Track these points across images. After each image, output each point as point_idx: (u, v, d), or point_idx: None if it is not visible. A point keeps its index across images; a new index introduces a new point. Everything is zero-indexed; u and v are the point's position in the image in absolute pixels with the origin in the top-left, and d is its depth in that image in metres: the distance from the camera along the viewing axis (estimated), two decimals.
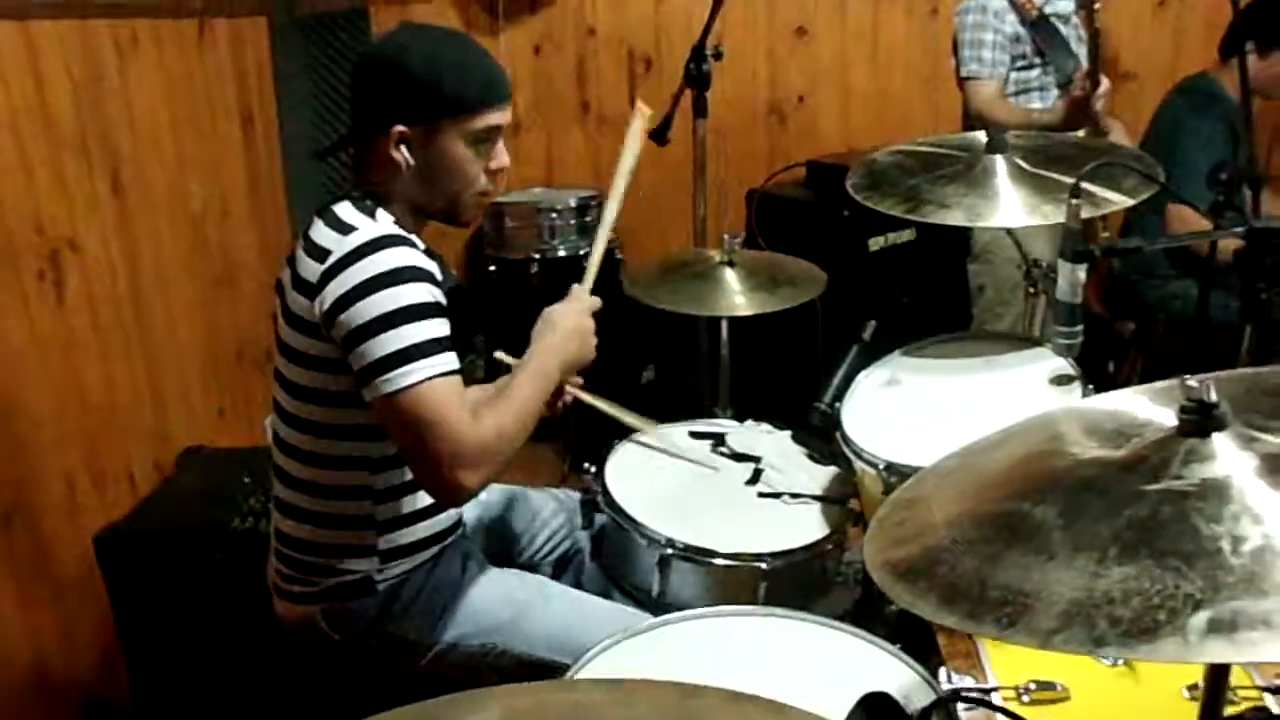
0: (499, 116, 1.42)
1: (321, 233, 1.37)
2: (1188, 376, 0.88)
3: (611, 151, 3.63)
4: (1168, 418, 0.85)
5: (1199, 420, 0.82)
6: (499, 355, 1.87)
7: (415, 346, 1.29)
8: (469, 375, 1.38)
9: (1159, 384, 0.99)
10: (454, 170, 1.41)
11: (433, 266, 1.36)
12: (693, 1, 3.51)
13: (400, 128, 1.38)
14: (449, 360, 1.32)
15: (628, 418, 1.85)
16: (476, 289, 3.31)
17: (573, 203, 3.24)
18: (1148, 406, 0.92)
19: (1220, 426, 0.82)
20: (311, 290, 1.34)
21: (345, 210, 1.39)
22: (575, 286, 1.58)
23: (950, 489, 0.95)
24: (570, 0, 3.60)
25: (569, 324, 1.50)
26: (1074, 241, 1.47)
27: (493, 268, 3.25)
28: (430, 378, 1.29)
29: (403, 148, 1.39)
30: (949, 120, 3.29)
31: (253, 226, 2.92)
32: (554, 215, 3.22)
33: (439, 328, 1.33)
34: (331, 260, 1.33)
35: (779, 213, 3.23)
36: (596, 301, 1.56)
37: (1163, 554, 0.70)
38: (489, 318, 3.26)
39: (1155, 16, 3.43)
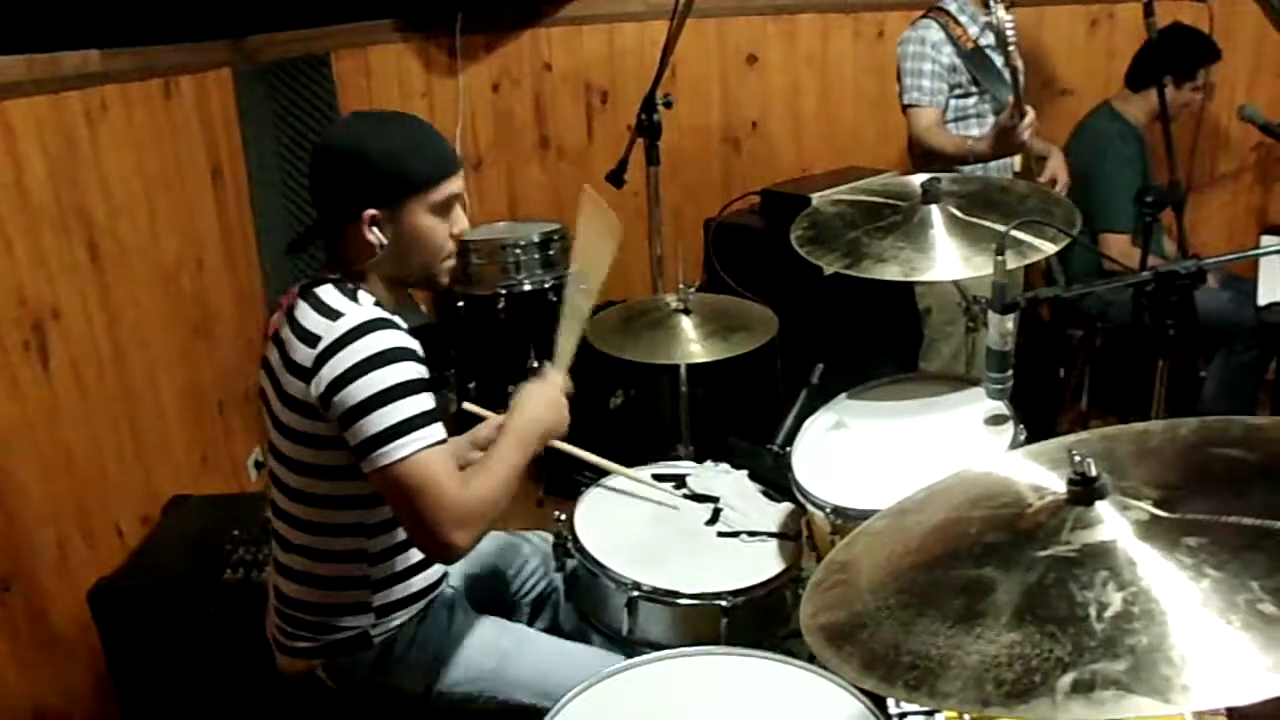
0: (456, 184, 1.54)
1: (310, 318, 1.46)
2: (1074, 446, 1.00)
3: (571, 183, 3.74)
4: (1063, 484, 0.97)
5: (1083, 490, 0.94)
6: (468, 407, 1.97)
7: (406, 421, 1.40)
8: (442, 411, 1.48)
9: (1066, 440, 1.11)
10: (425, 241, 1.53)
11: (415, 345, 1.47)
12: (645, 34, 3.64)
13: (371, 211, 1.48)
14: (437, 431, 1.43)
15: (596, 461, 1.96)
16: (446, 326, 3.39)
17: (536, 237, 3.32)
18: (1050, 470, 1.04)
19: (1102, 495, 0.93)
20: (306, 374, 1.44)
21: (329, 294, 1.49)
22: (548, 365, 1.70)
23: (878, 551, 1.07)
24: (526, 37, 3.70)
25: (545, 397, 1.63)
26: (1002, 294, 1.59)
27: (461, 304, 3.33)
28: (421, 449, 1.40)
29: (375, 229, 1.49)
30: (896, 140, 3.42)
31: (226, 274, 3.00)
32: (518, 250, 3.30)
33: (426, 402, 1.44)
34: (323, 345, 1.43)
35: (735, 241, 3.37)
36: (568, 383, 1.68)
37: (1044, 620, 0.81)
38: (460, 353, 3.35)
39: (1089, 35, 3.58)
